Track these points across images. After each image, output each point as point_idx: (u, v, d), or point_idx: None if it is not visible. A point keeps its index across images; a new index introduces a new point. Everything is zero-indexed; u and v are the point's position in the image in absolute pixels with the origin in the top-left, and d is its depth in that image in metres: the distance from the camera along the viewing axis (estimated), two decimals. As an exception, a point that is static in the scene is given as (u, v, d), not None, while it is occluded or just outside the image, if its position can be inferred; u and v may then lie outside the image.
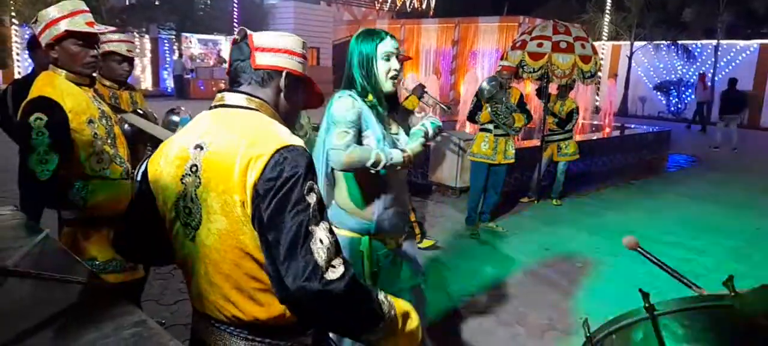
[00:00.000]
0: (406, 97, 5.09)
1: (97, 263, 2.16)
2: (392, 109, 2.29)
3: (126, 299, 1.43)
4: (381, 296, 1.36)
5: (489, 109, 5.44)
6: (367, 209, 2.16)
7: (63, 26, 2.03)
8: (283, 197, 1.21)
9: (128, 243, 1.53)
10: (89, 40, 2.10)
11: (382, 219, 2.16)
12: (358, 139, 2.12)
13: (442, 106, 6.05)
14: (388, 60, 2.16)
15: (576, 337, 1.53)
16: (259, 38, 1.41)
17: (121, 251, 1.58)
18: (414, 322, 1.45)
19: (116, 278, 2.19)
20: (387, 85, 2.18)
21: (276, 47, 1.41)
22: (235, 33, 1.46)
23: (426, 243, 5.11)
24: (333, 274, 1.20)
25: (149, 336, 1.22)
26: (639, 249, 1.81)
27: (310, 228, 1.21)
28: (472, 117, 5.73)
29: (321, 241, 1.21)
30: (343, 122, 2.08)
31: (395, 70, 2.17)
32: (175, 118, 2.91)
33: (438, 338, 3.43)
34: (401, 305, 1.44)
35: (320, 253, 1.20)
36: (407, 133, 2.29)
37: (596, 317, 1.57)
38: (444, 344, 3.40)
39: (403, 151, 2.12)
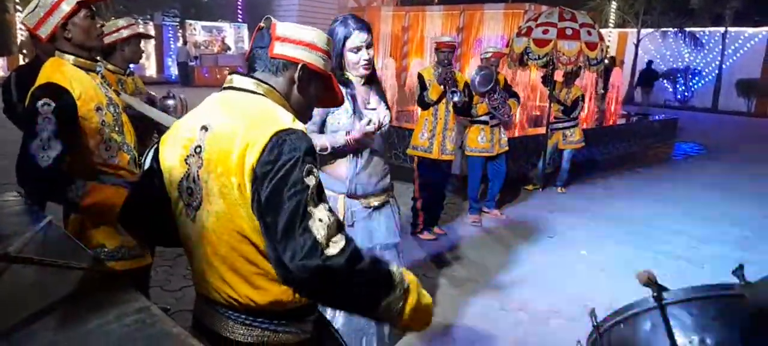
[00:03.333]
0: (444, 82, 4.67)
1: (105, 250, 2.15)
2: (371, 82, 2.43)
3: (131, 285, 1.42)
4: (393, 267, 1.32)
5: (487, 102, 5.25)
6: (340, 171, 2.31)
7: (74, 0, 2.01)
8: (281, 179, 1.20)
9: (134, 217, 1.52)
10: (97, 8, 2.10)
11: (355, 181, 2.31)
12: (322, 126, 2.33)
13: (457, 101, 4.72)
14: (356, 53, 2.30)
15: (580, 323, 1.52)
16: (281, 28, 1.40)
17: (125, 223, 1.57)
18: (428, 297, 1.40)
19: (124, 265, 2.18)
20: (357, 72, 2.33)
21: (296, 39, 1.40)
22: (262, 21, 1.44)
23: (427, 236, 5.03)
24: (334, 249, 1.18)
25: (152, 323, 1.22)
26: (655, 285, 1.49)
27: (308, 209, 1.19)
28: (467, 110, 5.21)
29: (320, 220, 1.19)
30: None
31: (365, 60, 2.31)
32: (170, 102, 2.90)
33: (442, 325, 3.44)
34: (413, 277, 1.39)
35: (319, 230, 1.18)
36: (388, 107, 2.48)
37: (600, 304, 1.56)
38: (448, 330, 3.40)
39: (347, 133, 2.26)
